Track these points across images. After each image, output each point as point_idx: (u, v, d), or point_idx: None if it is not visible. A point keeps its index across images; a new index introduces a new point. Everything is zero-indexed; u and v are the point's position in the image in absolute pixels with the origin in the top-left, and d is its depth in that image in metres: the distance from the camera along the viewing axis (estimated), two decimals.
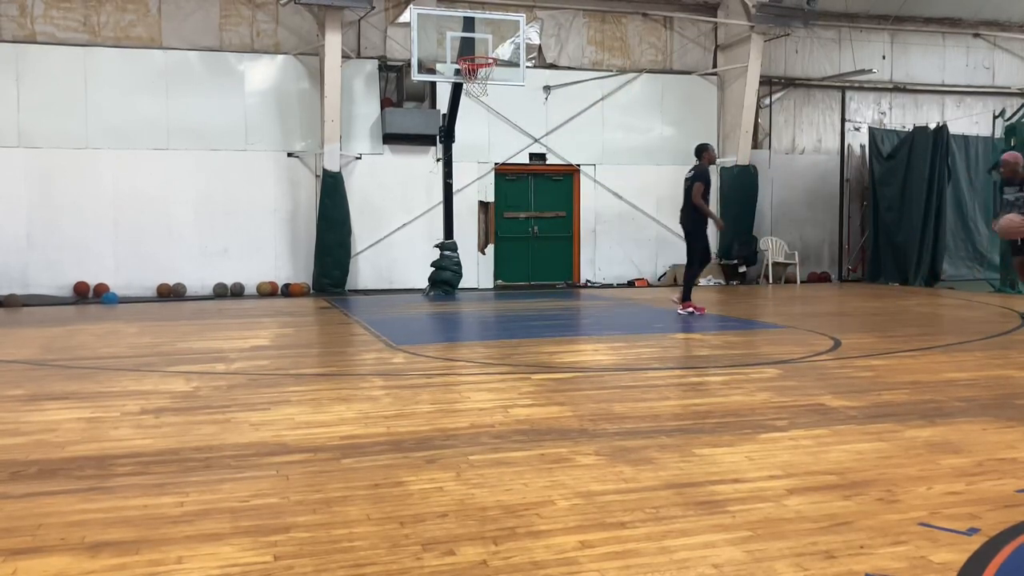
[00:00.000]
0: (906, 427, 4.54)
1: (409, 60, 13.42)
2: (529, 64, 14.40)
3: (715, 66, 16.86)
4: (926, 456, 3.97)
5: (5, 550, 2.86)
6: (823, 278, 17.57)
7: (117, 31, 14.03)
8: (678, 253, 16.70)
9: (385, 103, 15.19)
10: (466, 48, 13.08)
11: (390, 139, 15.07)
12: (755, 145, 17.04)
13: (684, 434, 4.41)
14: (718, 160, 16.79)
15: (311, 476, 3.71)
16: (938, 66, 18.19)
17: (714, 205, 16.89)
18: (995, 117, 17.23)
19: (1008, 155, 9.42)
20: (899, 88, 18.07)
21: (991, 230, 14.11)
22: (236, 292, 14.47)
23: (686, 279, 10.69)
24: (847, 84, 17.72)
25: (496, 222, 15.96)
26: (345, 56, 14.46)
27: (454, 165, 14.64)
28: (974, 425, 4.59)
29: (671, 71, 16.72)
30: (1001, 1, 17.65)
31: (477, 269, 15.63)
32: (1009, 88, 18.45)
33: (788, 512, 3.19)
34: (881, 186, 16.77)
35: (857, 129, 17.85)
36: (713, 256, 16.75)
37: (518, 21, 13.40)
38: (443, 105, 14.72)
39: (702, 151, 10.61)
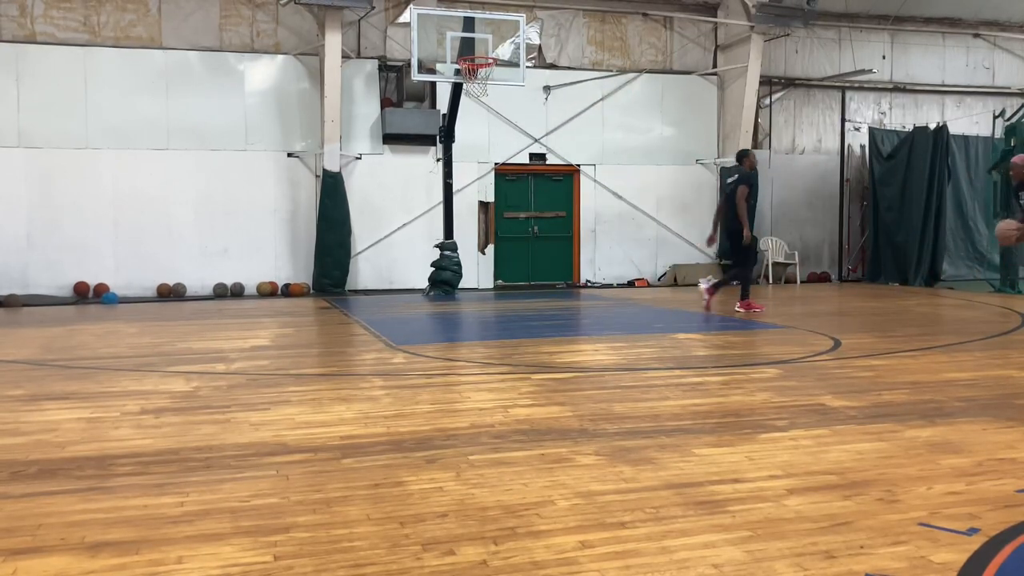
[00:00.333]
0: (906, 427, 4.54)
1: (409, 60, 13.42)
2: (529, 64, 14.41)
3: (715, 66, 16.86)
4: (926, 456, 3.97)
5: (5, 550, 2.86)
6: (823, 278, 17.57)
7: (117, 31, 14.03)
8: (678, 253, 16.73)
9: (385, 103, 15.19)
10: (466, 48, 13.09)
11: (390, 139, 15.07)
12: (755, 145, 17.03)
13: (684, 434, 4.41)
14: (717, 160, 16.81)
15: (311, 476, 3.71)
16: (938, 66, 18.19)
17: (715, 205, 16.91)
18: (995, 117, 17.22)
19: (1018, 158, 9.39)
20: (899, 88, 18.07)
21: (993, 234, 14.13)
22: (236, 292, 14.47)
23: (743, 279, 10.72)
24: (847, 84, 17.73)
25: (496, 222, 15.96)
26: (345, 56, 14.46)
27: (454, 165, 14.64)
28: (974, 425, 4.59)
29: (671, 71, 16.72)
30: (1001, 1, 17.64)
31: (477, 269, 15.63)
32: (1009, 88, 18.45)
33: (788, 512, 3.19)
34: (881, 186, 16.78)
35: (857, 129, 17.85)
36: (713, 256, 16.78)
37: (518, 21, 13.40)
38: (443, 105, 14.72)
39: (743, 157, 10.82)
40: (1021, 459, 3.93)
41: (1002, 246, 9.43)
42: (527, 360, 7.08)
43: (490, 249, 15.90)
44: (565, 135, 16.07)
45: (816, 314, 10.98)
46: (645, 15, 16.49)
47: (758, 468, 3.78)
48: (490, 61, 13.07)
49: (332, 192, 14.37)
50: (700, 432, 4.45)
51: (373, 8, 14.42)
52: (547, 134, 16.00)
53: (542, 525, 3.07)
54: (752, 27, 15.77)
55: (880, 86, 17.93)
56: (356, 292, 14.80)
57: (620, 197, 16.41)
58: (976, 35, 18.21)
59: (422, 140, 15.15)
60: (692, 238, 16.88)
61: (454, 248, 14.43)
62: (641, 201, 16.51)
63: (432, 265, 14.43)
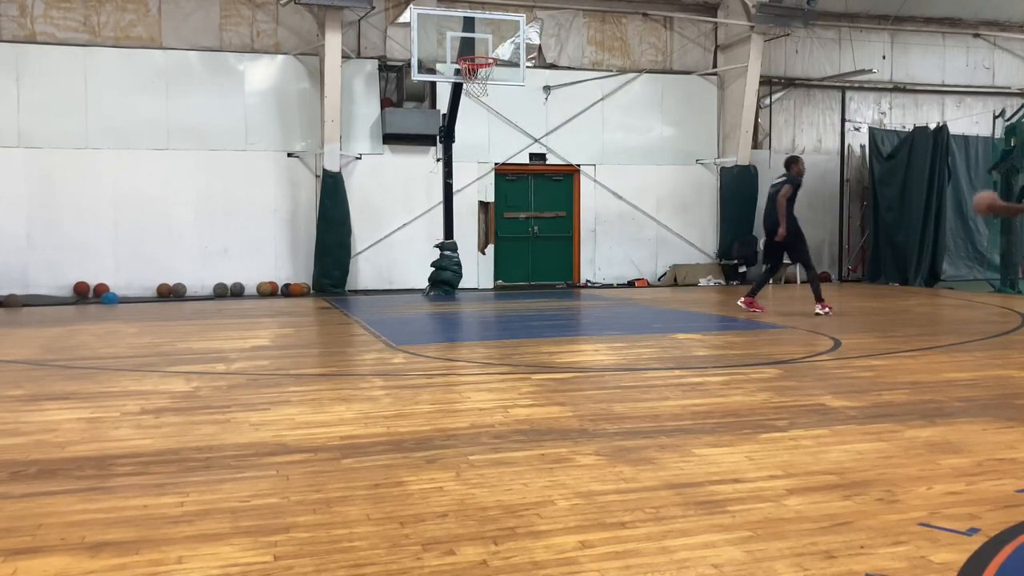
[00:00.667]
0: (906, 427, 4.54)
1: (409, 60, 13.42)
2: (529, 64, 14.40)
3: (715, 66, 16.86)
4: (926, 456, 3.97)
5: (5, 550, 2.86)
6: (823, 278, 17.52)
7: (117, 31, 14.03)
8: (678, 253, 16.74)
9: (385, 103, 15.19)
10: (466, 48, 13.09)
11: (390, 139, 15.07)
12: (755, 145, 17.04)
13: (684, 434, 4.41)
14: (717, 160, 16.81)
15: (311, 476, 3.71)
16: (938, 66, 18.19)
17: (715, 205, 16.92)
18: (995, 117, 17.20)
19: None
20: (899, 88, 18.07)
21: (993, 234, 14.13)
22: (236, 292, 14.47)
23: (813, 280, 10.73)
24: (847, 84, 17.73)
25: (496, 222, 15.96)
26: (345, 56, 14.46)
27: (454, 165, 14.64)
28: (974, 425, 4.59)
29: (671, 71, 16.72)
30: (1001, 1, 17.64)
31: (477, 269, 15.63)
32: (1009, 88, 18.45)
33: (788, 512, 3.19)
34: (881, 186, 16.77)
35: (857, 129, 17.85)
36: (713, 256, 16.80)
37: (518, 21, 13.41)
38: (443, 105, 14.72)
39: (792, 163, 10.87)
40: (1021, 459, 3.93)
41: (978, 214, 9.44)
42: (527, 360, 7.08)
43: (490, 249, 15.90)
44: (565, 135, 16.07)
45: (816, 315, 10.98)
46: (645, 15, 16.49)
47: (758, 468, 3.78)
48: (490, 61, 13.07)
49: (332, 192, 14.37)
50: (700, 432, 4.45)
51: (373, 8, 14.42)
52: (547, 134, 16.00)
53: (542, 525, 3.07)
54: (752, 27, 15.77)
55: (880, 86, 17.93)
56: (356, 292, 14.80)
57: (620, 197, 16.41)
58: (976, 35, 18.21)
59: (422, 140, 15.15)
60: (692, 238, 16.89)
61: (454, 248, 14.43)
62: (641, 201, 16.51)
63: (432, 265, 14.43)
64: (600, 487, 3.51)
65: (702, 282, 16.34)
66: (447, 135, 14.46)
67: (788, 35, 16.74)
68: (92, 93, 13.86)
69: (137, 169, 14.06)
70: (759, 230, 16.52)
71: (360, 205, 14.86)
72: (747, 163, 16.46)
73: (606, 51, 16.40)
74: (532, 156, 16.02)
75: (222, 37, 14.48)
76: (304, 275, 14.82)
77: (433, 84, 14.85)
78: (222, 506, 3.30)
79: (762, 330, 9.20)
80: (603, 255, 16.47)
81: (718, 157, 16.82)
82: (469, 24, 13.20)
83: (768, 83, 17.12)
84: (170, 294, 14.00)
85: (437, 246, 14.45)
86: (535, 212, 16.26)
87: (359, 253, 15.00)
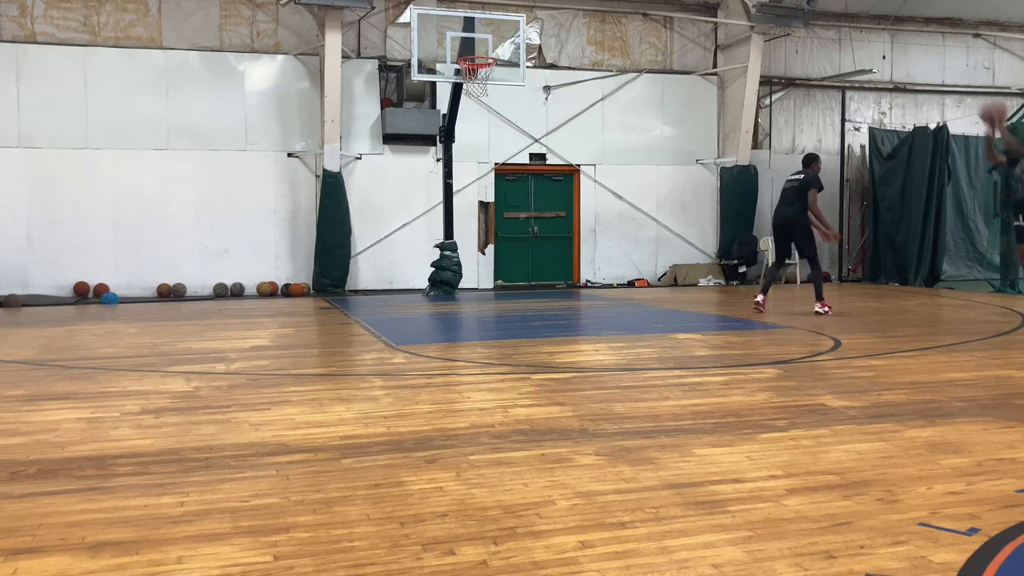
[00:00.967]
0: (906, 427, 4.54)
1: (409, 60, 13.43)
2: (529, 64, 14.41)
3: (715, 66, 16.86)
4: (926, 456, 3.97)
5: (5, 550, 2.86)
6: (823, 278, 17.55)
7: (117, 31, 14.03)
8: (678, 253, 16.74)
9: (385, 103, 15.19)
10: (466, 48, 13.09)
11: (390, 139, 15.08)
12: (755, 145, 17.04)
13: (684, 434, 4.41)
14: (717, 160, 16.82)
15: (311, 476, 3.71)
16: (938, 66, 18.20)
17: (715, 205, 16.93)
18: None
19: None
20: (899, 88, 18.07)
21: (992, 233, 14.15)
22: (236, 292, 14.47)
23: (817, 279, 10.78)
24: (847, 84, 17.73)
25: (496, 222, 15.96)
26: (345, 56, 14.46)
27: (454, 165, 14.64)
28: (974, 425, 4.59)
29: (671, 71, 16.72)
30: (1001, 1, 17.65)
31: (477, 269, 15.63)
32: (1009, 88, 18.45)
33: (788, 512, 3.19)
34: (881, 186, 16.77)
35: (857, 129, 17.86)
36: (713, 256, 16.80)
37: (518, 21, 13.41)
38: (443, 105, 14.73)
39: (812, 160, 10.85)
40: (1021, 459, 3.93)
41: (983, 115, 9.53)
42: (527, 360, 7.08)
43: (490, 249, 15.90)
44: (565, 135, 16.07)
45: (816, 314, 10.97)
46: (645, 15, 16.49)
47: (758, 468, 3.78)
48: (490, 61, 13.07)
49: (332, 192, 14.37)
50: (700, 432, 4.45)
51: (373, 8, 14.42)
52: (547, 134, 16.00)
53: (542, 525, 3.07)
54: (752, 27, 15.77)
55: (880, 86, 17.93)
56: (356, 292, 14.80)
57: (620, 197, 16.41)
58: (976, 35, 18.21)
59: (422, 140, 15.15)
60: (692, 238, 16.89)
61: (454, 248, 14.43)
62: (641, 201, 16.51)
63: (432, 265, 14.43)
64: (600, 487, 3.51)
65: (702, 282, 16.34)
66: (447, 135, 14.46)
67: (788, 35, 16.74)
68: (92, 93, 13.86)
69: (137, 169, 14.06)
70: (760, 229, 16.60)
71: (360, 205, 14.86)
72: (747, 163, 16.46)
73: (606, 51, 16.39)
74: (532, 156, 16.02)
75: (222, 37, 14.48)
76: (304, 275, 14.82)
77: (433, 84, 14.85)
78: (222, 506, 3.30)
79: (762, 330, 9.20)
80: (603, 255, 16.47)
81: (718, 157, 16.83)
82: (469, 24, 13.20)
83: (768, 83, 17.12)
84: (170, 294, 14.00)
85: (437, 246, 14.45)
86: (535, 212, 16.26)
87: (359, 253, 15.00)
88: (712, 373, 6.34)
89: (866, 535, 2.95)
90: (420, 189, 15.27)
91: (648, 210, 16.55)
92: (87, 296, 13.74)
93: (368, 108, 15.07)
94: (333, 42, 13.90)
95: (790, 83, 17.46)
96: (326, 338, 9.11)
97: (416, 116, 15.03)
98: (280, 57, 14.73)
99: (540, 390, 5.67)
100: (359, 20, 14.90)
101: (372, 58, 15.09)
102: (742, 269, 16.59)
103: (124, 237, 14.04)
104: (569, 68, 16.11)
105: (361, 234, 14.96)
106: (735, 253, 16.54)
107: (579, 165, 16.23)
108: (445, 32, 13.15)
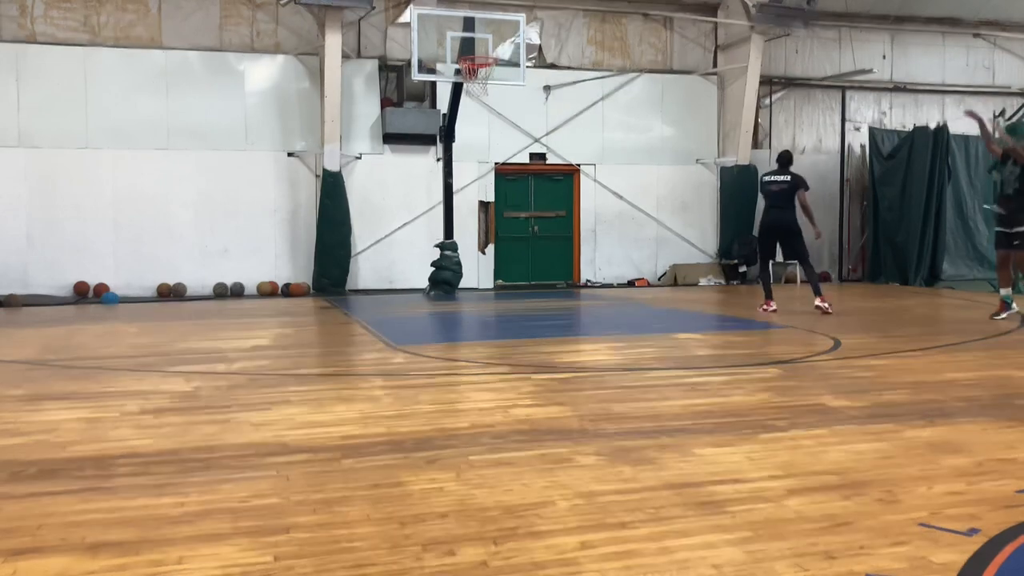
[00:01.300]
0: (906, 427, 4.53)
1: (409, 60, 13.41)
2: (529, 64, 14.40)
3: (715, 66, 16.86)
4: (926, 456, 3.97)
5: (5, 550, 2.86)
6: (823, 278, 17.51)
7: (117, 31, 14.03)
8: (678, 253, 16.73)
9: (385, 103, 15.19)
10: (466, 48, 13.09)
11: (390, 139, 15.07)
12: (755, 145, 17.03)
13: (684, 434, 4.41)
14: (717, 160, 16.82)
15: (311, 476, 3.71)
16: (938, 66, 18.19)
17: (715, 205, 16.93)
18: (995, 117, 17.21)
19: None
20: (899, 88, 18.06)
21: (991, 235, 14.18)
22: (236, 292, 14.47)
23: (812, 275, 10.77)
24: (847, 84, 17.72)
25: (496, 222, 15.95)
26: (345, 56, 14.46)
27: (454, 165, 14.63)
28: (974, 425, 4.59)
29: (671, 71, 16.72)
30: (1001, 1, 17.64)
31: (477, 269, 15.63)
32: (1009, 88, 18.44)
33: (788, 512, 3.19)
34: (881, 186, 16.77)
35: (857, 129, 17.85)
36: (713, 256, 16.80)
37: (518, 21, 13.40)
38: (443, 105, 14.72)
39: (792, 159, 10.93)
40: (1021, 459, 3.93)
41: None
42: (527, 360, 7.08)
43: (490, 249, 15.90)
44: (565, 135, 16.07)
45: (816, 314, 10.98)
46: (645, 15, 16.49)
47: (758, 468, 3.77)
48: (490, 61, 13.07)
49: (332, 192, 14.37)
50: (700, 432, 4.45)
51: (373, 8, 14.42)
52: (547, 134, 15.99)
53: (542, 525, 3.07)
54: (752, 27, 15.77)
55: (880, 86, 17.93)
56: (356, 292, 14.80)
57: (620, 197, 16.41)
58: (976, 35, 18.21)
59: (422, 140, 15.14)
60: (692, 238, 16.88)
61: (454, 248, 14.43)
62: (641, 201, 16.50)
63: (432, 265, 14.42)
64: (600, 487, 3.51)
65: (702, 282, 16.34)
66: (447, 135, 14.45)
67: (788, 35, 16.73)
68: (92, 93, 13.85)
69: (137, 169, 14.06)
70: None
71: (360, 205, 14.86)
72: (747, 163, 16.46)
73: (606, 51, 16.39)
74: (532, 156, 16.01)
75: (222, 37, 14.48)
76: (304, 275, 14.82)
77: (433, 84, 14.85)
78: (222, 506, 3.30)
79: (762, 330, 9.20)
80: (603, 255, 16.47)
81: (718, 157, 16.82)
82: (469, 24, 13.19)
83: (768, 83, 17.11)
84: (170, 294, 14.00)
85: (437, 246, 14.45)
86: (535, 212, 16.25)
87: (359, 253, 15.00)
88: (712, 373, 6.33)
89: (866, 535, 2.95)
90: (420, 189, 15.27)
91: (648, 210, 16.55)
92: (87, 296, 13.74)
93: (368, 108, 15.07)
94: (333, 42, 13.90)
95: (790, 83, 17.46)
96: (326, 338, 9.11)
97: (416, 116, 15.03)
98: (280, 57, 14.72)
99: (540, 390, 5.67)
100: (359, 20, 14.89)
101: (372, 58, 15.09)
102: (742, 269, 16.58)
103: (124, 237, 14.04)
104: (569, 68, 16.11)
105: (361, 234, 14.95)
106: (735, 253, 16.54)
107: (579, 165, 16.22)
108: (445, 32, 13.14)
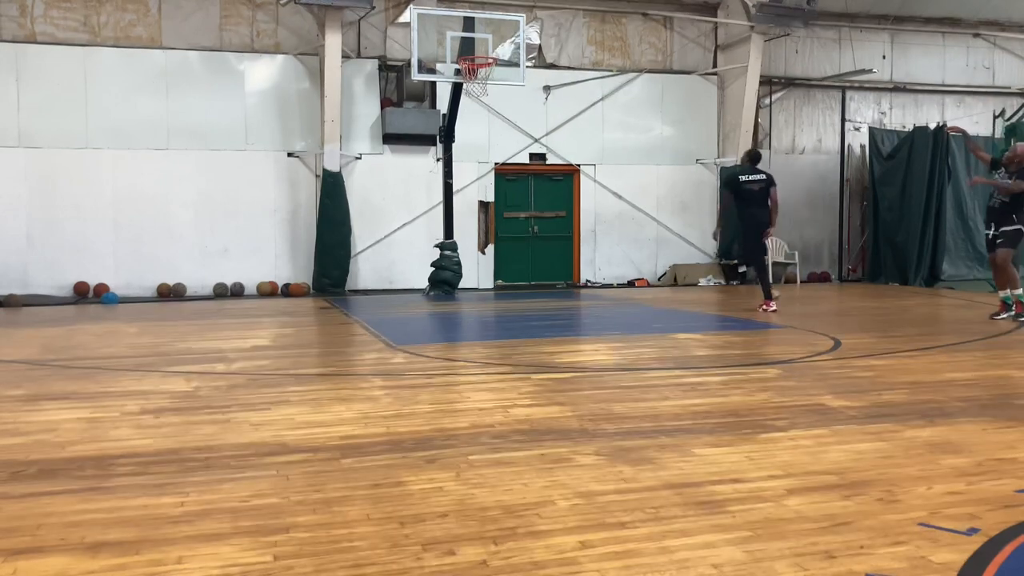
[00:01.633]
0: (906, 427, 4.53)
1: (409, 60, 13.41)
2: (529, 64, 14.40)
3: (715, 66, 16.86)
4: (926, 456, 3.97)
5: (5, 550, 2.86)
6: (823, 278, 17.57)
7: (117, 31, 14.03)
8: (678, 253, 16.74)
9: (385, 103, 15.19)
10: (466, 48, 13.08)
11: (390, 139, 15.07)
12: (755, 145, 16.99)
13: (684, 434, 4.41)
14: (717, 160, 16.82)
15: (311, 476, 3.71)
16: (938, 66, 18.19)
17: (715, 205, 16.93)
18: (995, 117, 17.23)
19: (1021, 146, 9.47)
20: (899, 88, 18.07)
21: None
22: (236, 292, 14.47)
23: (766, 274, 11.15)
24: (847, 84, 17.72)
25: (496, 222, 15.96)
26: (345, 56, 14.46)
27: (454, 165, 14.63)
28: (974, 425, 4.59)
29: (671, 71, 16.72)
30: (1001, 1, 17.64)
31: (477, 269, 15.63)
32: (1009, 88, 18.44)
33: (788, 512, 3.19)
34: (881, 186, 16.77)
35: (857, 129, 17.85)
36: (713, 256, 16.80)
37: (518, 21, 13.40)
38: (443, 105, 14.72)
39: (760, 156, 11.16)
40: (1021, 459, 3.93)
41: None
42: (527, 360, 7.08)
43: (490, 249, 15.90)
44: (565, 135, 16.07)
45: (816, 314, 10.98)
46: (645, 15, 16.49)
47: (758, 468, 3.78)
48: (490, 61, 13.07)
49: (332, 192, 14.37)
50: (700, 432, 4.45)
51: (373, 8, 14.42)
52: (547, 134, 15.99)
53: (542, 525, 3.07)
54: (752, 27, 15.77)
55: (880, 86, 17.93)
56: (356, 292, 14.80)
57: (620, 197, 16.41)
58: (976, 35, 18.21)
59: (422, 140, 15.15)
60: (692, 238, 16.88)
61: (454, 248, 14.43)
62: (641, 201, 16.50)
63: (432, 265, 14.42)
64: (600, 487, 3.51)
65: (702, 282, 16.34)
66: (447, 135, 14.45)
67: (788, 35, 16.73)
68: (92, 93, 13.86)
69: (137, 169, 14.06)
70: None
71: (360, 205, 14.86)
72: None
73: (606, 51, 16.39)
74: (532, 156, 16.01)
75: (222, 37, 14.48)
76: (304, 275, 14.82)
77: (433, 84, 14.85)
78: (222, 506, 3.30)
79: (762, 330, 9.20)
80: (603, 255, 16.47)
81: (718, 157, 16.82)
82: (469, 24, 13.19)
83: (768, 83, 17.12)
84: (170, 294, 14.00)
85: (437, 246, 14.45)
86: (535, 212, 16.25)
87: (359, 253, 15.00)
88: (712, 373, 6.34)
89: (866, 535, 2.95)
90: (420, 189, 15.27)
91: (648, 210, 16.55)
92: (87, 296, 13.74)
93: (368, 108, 15.07)
94: (333, 42, 13.90)
95: (790, 83, 17.46)
96: (326, 338, 9.11)
97: (416, 116, 15.03)
98: (280, 57, 14.72)
99: (540, 390, 5.67)
100: (359, 20, 14.89)
101: (372, 58, 15.09)
102: (742, 269, 16.57)
103: (124, 237, 14.04)
104: (569, 68, 16.11)
105: (361, 234, 14.95)
106: (735, 253, 16.53)
107: (579, 165, 16.22)
108: (445, 32, 13.14)
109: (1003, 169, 9.49)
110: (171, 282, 14.10)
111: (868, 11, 17.44)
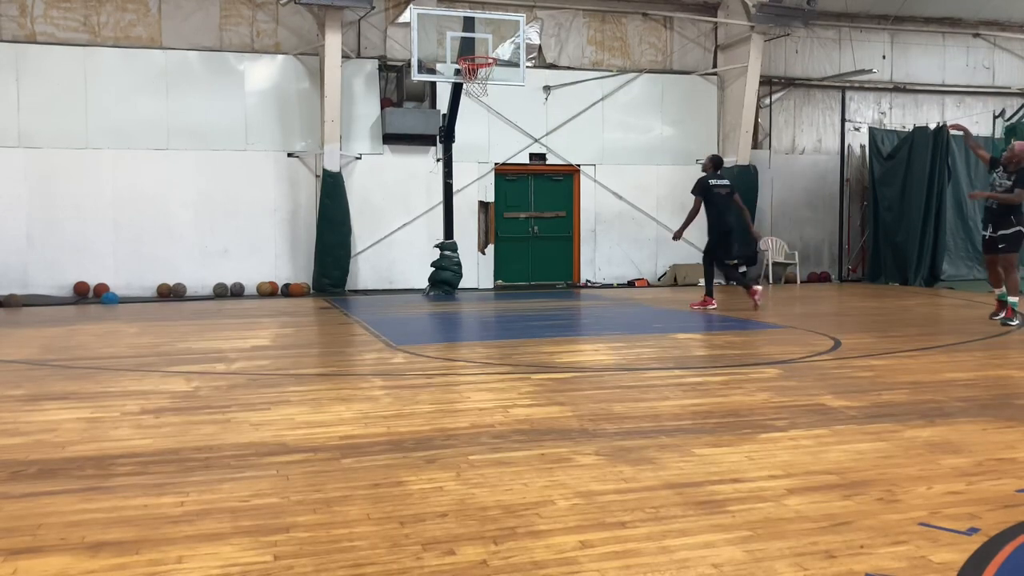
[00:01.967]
0: (906, 427, 4.53)
1: (409, 60, 13.41)
2: (529, 64, 14.40)
3: (715, 66, 16.86)
4: (926, 456, 3.97)
5: (5, 550, 2.86)
6: (823, 278, 17.57)
7: (117, 31, 14.03)
8: (678, 253, 16.73)
9: (385, 103, 15.19)
10: (466, 48, 13.08)
11: (390, 139, 15.07)
12: (755, 145, 17.03)
13: (684, 434, 4.41)
14: None
15: (311, 476, 3.71)
16: (938, 66, 18.19)
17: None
18: (995, 117, 17.22)
19: (1020, 144, 9.40)
20: (899, 88, 18.07)
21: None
22: (236, 292, 14.47)
23: (711, 273, 11.63)
24: (847, 84, 17.72)
25: (496, 222, 15.95)
26: (345, 56, 14.46)
27: (454, 165, 14.63)
28: (974, 425, 4.59)
29: (671, 71, 16.72)
30: (1001, 1, 17.64)
31: (477, 269, 15.63)
32: (1009, 88, 18.44)
33: (788, 512, 3.19)
34: (881, 186, 16.77)
35: (857, 129, 17.85)
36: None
37: (518, 21, 13.40)
38: (443, 105, 14.72)
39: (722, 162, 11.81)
40: (1021, 459, 3.93)
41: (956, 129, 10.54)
42: (527, 360, 7.08)
43: (490, 249, 15.89)
44: (565, 135, 16.07)
45: (816, 314, 10.98)
46: (645, 15, 16.49)
47: (758, 468, 3.78)
48: (490, 61, 13.07)
49: (332, 192, 14.37)
50: (700, 432, 4.45)
51: (373, 8, 14.42)
52: (547, 134, 15.99)
53: (542, 525, 3.07)
54: (752, 27, 15.77)
55: (880, 86, 17.93)
56: (356, 292, 14.80)
57: (620, 197, 16.40)
58: (976, 35, 18.21)
59: (422, 140, 15.15)
60: (692, 238, 16.82)
61: (454, 248, 14.43)
62: (641, 201, 16.50)
63: (432, 265, 14.42)
64: (600, 487, 3.51)
65: (702, 282, 16.31)
66: (447, 135, 14.45)
67: (788, 35, 16.73)
68: (92, 93, 13.85)
69: (137, 169, 14.06)
70: (759, 229, 16.59)
71: (360, 205, 14.86)
72: (747, 163, 16.46)
73: (606, 51, 16.39)
74: (532, 156, 16.01)
75: (222, 37, 14.48)
76: (304, 275, 14.82)
77: (433, 84, 14.85)
78: (222, 506, 3.30)
79: (762, 330, 9.20)
80: (603, 255, 16.47)
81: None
82: (469, 24, 13.19)
83: (768, 83, 17.12)
84: (170, 294, 13.99)
85: (437, 246, 14.45)
86: (535, 212, 16.25)
87: (359, 253, 15.00)
88: (712, 373, 6.34)
89: (866, 535, 2.95)
90: (420, 189, 15.27)
91: (648, 210, 16.55)
92: (87, 296, 13.74)
93: (368, 108, 15.07)
94: (333, 42, 13.90)
95: (790, 83, 17.46)
96: (326, 338, 9.11)
97: (416, 116, 15.03)
98: (280, 57, 14.72)
99: (540, 390, 5.67)
100: (359, 20, 14.89)
101: (372, 58, 15.09)
102: (742, 269, 16.55)
103: (124, 237, 14.04)
104: (569, 68, 16.11)
105: (361, 234, 14.95)
106: (735, 253, 16.49)
107: (579, 165, 16.22)
108: (445, 32, 13.14)
109: (1002, 168, 9.45)
110: (171, 282, 14.10)
111: (868, 11, 17.44)
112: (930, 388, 5.66)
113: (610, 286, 16.13)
